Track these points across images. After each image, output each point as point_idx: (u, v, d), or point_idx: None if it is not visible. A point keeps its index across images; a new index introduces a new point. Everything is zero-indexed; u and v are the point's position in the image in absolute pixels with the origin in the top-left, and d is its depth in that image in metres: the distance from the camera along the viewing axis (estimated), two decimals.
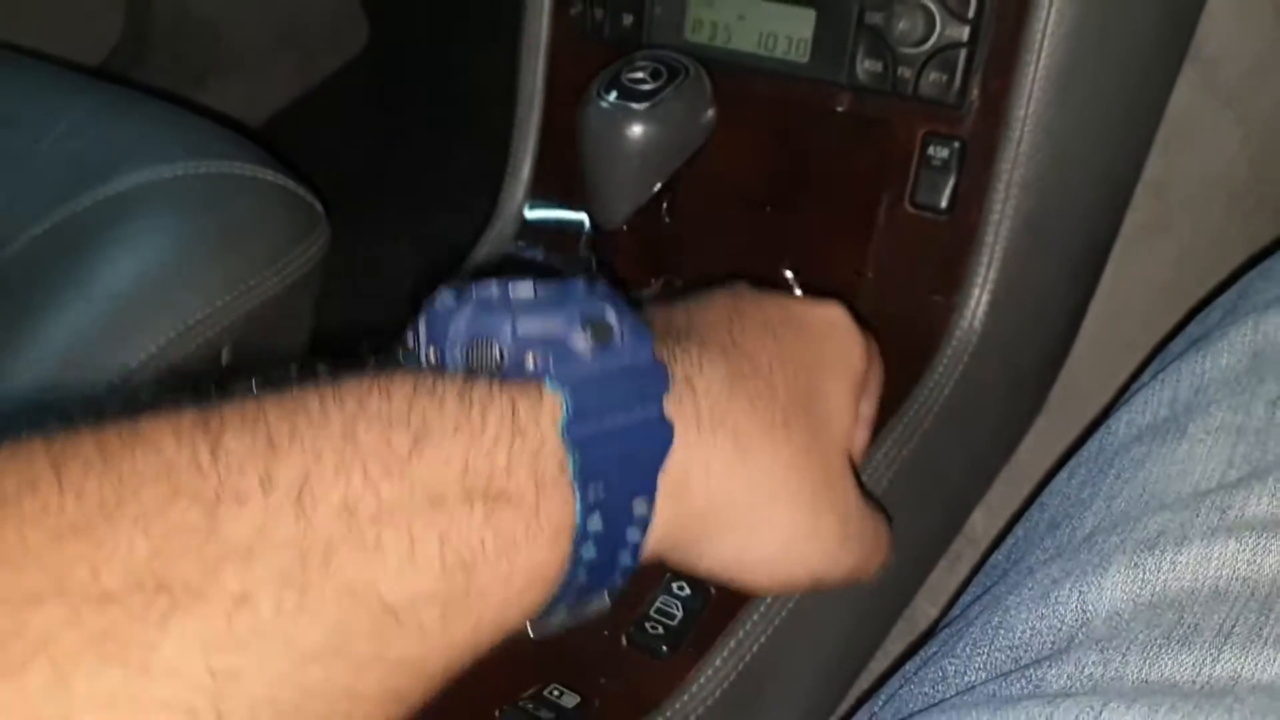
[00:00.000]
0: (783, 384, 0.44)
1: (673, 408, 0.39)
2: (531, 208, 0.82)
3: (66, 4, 1.43)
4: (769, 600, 0.58)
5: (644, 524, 0.39)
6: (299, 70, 1.67)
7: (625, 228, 0.68)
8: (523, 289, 0.39)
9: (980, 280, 0.68)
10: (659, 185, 0.68)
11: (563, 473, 0.36)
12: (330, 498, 0.32)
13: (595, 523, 0.37)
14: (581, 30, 0.79)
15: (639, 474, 0.38)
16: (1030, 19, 0.65)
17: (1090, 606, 0.42)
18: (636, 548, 0.39)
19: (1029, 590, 0.45)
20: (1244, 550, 0.39)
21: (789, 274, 0.73)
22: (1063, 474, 0.50)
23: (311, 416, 0.33)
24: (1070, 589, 0.43)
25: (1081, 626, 0.42)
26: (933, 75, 0.68)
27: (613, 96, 0.65)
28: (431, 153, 1.54)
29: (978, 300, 0.68)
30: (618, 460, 0.37)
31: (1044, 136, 0.66)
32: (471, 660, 0.35)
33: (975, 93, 0.67)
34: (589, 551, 0.37)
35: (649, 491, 0.38)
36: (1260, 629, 0.38)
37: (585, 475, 0.36)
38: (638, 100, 0.65)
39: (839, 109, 0.71)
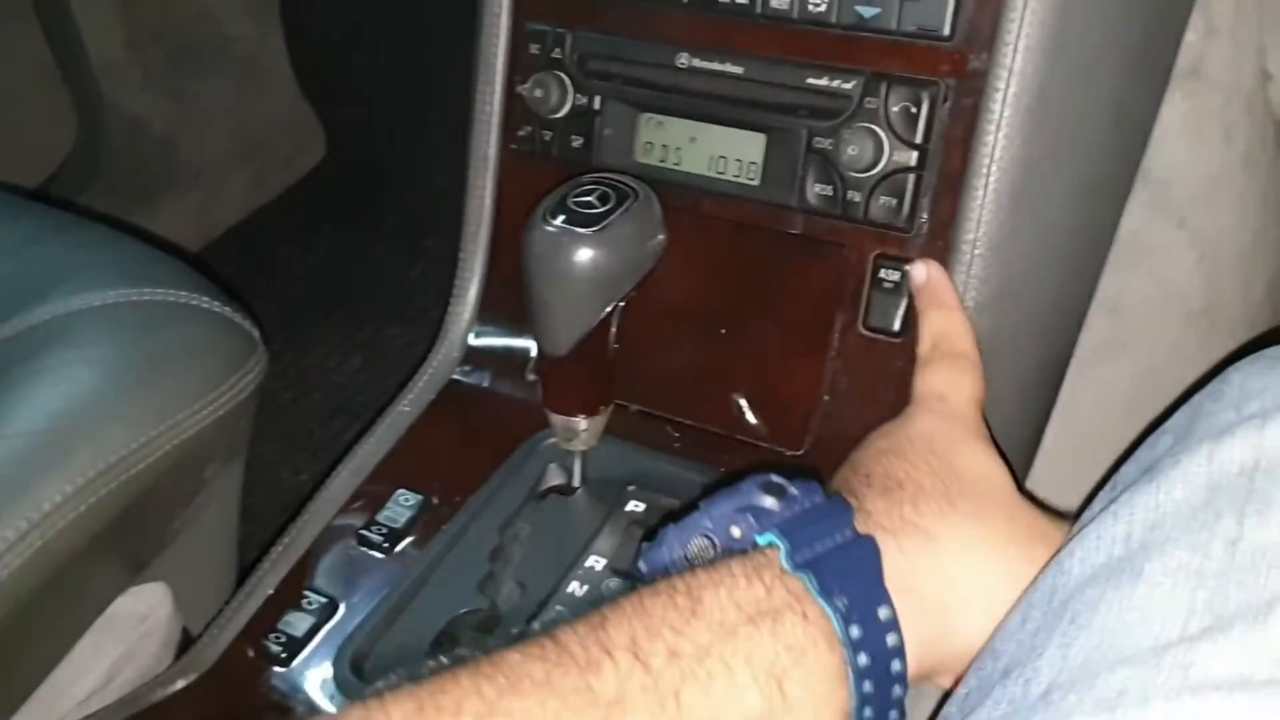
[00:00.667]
0: (926, 477, 0.53)
1: (862, 529, 0.49)
2: (477, 335, 0.80)
3: (9, 122, 1.42)
4: None
5: (893, 626, 0.47)
6: (255, 184, 1.67)
7: (572, 355, 0.66)
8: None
9: None
10: (607, 310, 0.66)
11: (808, 592, 0.45)
12: (657, 649, 0.42)
13: (855, 631, 0.45)
14: (530, 151, 0.78)
15: (870, 584, 0.47)
16: (978, 144, 0.64)
17: None
18: (900, 651, 0.47)
19: None
20: (1207, 713, 0.37)
21: (742, 401, 0.72)
22: (1015, 617, 0.48)
23: (611, 611, 0.43)
24: None
25: None
26: (882, 199, 0.67)
27: (559, 220, 0.64)
28: (386, 267, 1.53)
29: None
30: (846, 574, 0.46)
31: (995, 259, 0.66)
32: None
33: (925, 216, 0.67)
34: (862, 659, 0.45)
35: (884, 598, 0.47)
36: None
37: (825, 591, 0.45)
38: (585, 224, 0.64)
39: (791, 231, 0.71)
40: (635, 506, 0.69)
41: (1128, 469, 0.50)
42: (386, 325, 1.46)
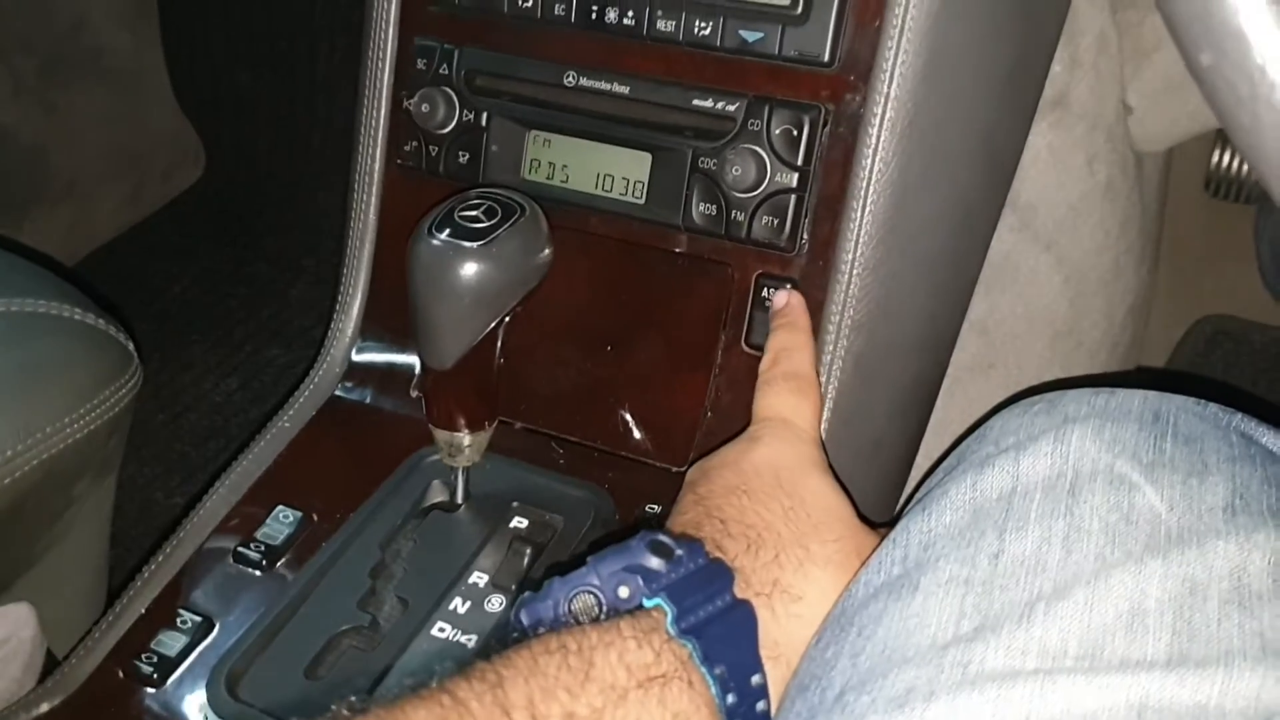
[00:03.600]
0: (780, 521, 0.55)
1: (738, 592, 0.50)
2: (360, 350, 0.79)
3: None
4: None
5: (763, 693, 0.49)
6: (130, 201, 1.62)
7: (456, 369, 0.66)
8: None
9: None
10: (492, 325, 0.66)
11: (692, 660, 0.47)
12: (554, 710, 0.42)
13: (731, 698, 0.47)
14: (416, 167, 0.78)
15: (746, 651, 0.49)
16: (856, 167, 0.66)
17: None
18: (767, 715, 0.49)
19: None
20: (987, 703, 0.42)
21: (627, 417, 0.72)
22: (813, 640, 0.52)
23: (505, 668, 0.44)
24: None
25: None
26: (765, 219, 0.69)
27: (445, 234, 0.64)
28: (265, 287, 1.50)
29: None
30: (726, 642, 0.48)
31: (871, 279, 0.68)
32: None
33: (805, 236, 0.68)
34: None
35: (758, 665, 0.49)
36: None
37: (708, 658, 0.47)
38: (471, 238, 0.64)
39: (676, 250, 0.72)
40: (519, 523, 0.69)
41: (909, 507, 0.54)
42: (265, 346, 1.43)
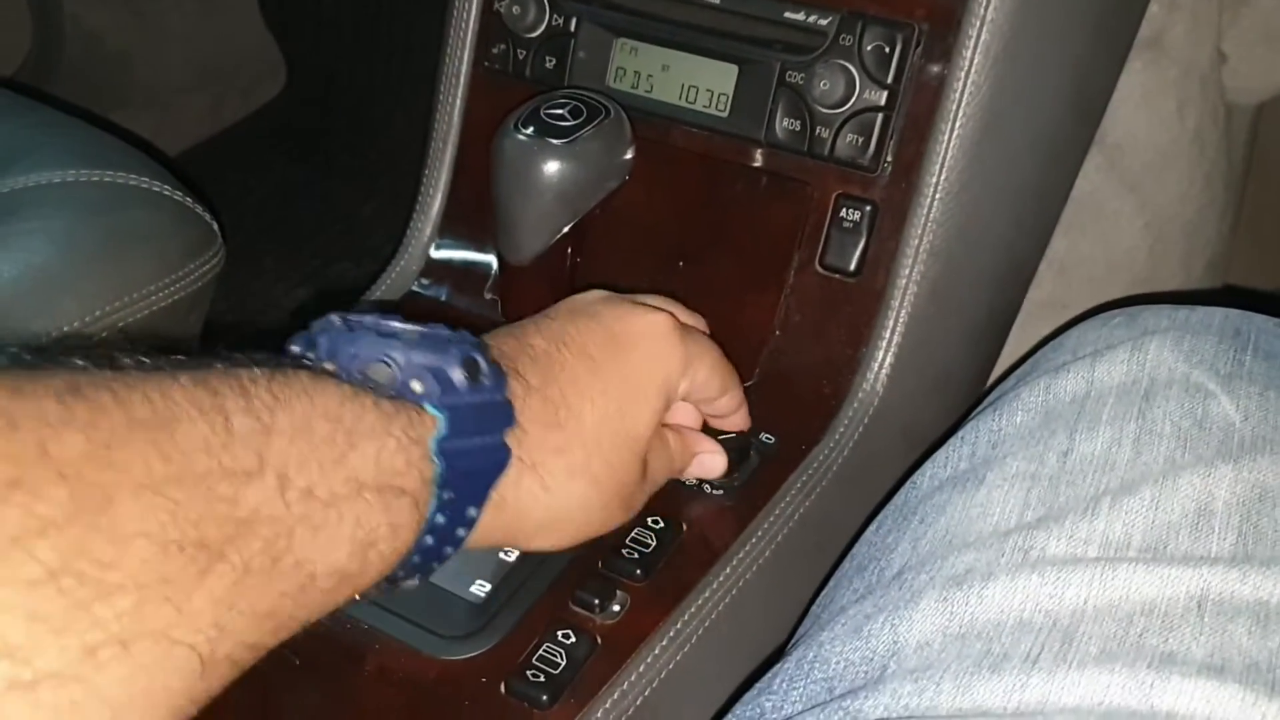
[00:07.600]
0: (591, 422, 0.52)
1: (512, 445, 0.48)
2: (438, 248, 0.80)
3: None
4: (655, 652, 0.56)
5: (471, 524, 0.47)
6: (211, 110, 1.65)
7: (532, 266, 0.67)
8: (398, 323, 0.47)
9: (884, 343, 0.68)
10: (570, 225, 0.67)
11: (431, 481, 0.44)
12: (299, 481, 0.39)
13: (440, 519, 0.45)
14: (503, 70, 0.78)
15: (479, 487, 0.47)
16: (946, 89, 0.66)
17: (901, 637, 0.44)
18: (460, 542, 0.47)
19: (842, 626, 0.47)
20: (1046, 584, 0.42)
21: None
22: (871, 526, 0.53)
23: (282, 410, 0.39)
24: (883, 623, 0.45)
25: (893, 656, 0.44)
26: (849, 137, 0.68)
27: (530, 130, 0.65)
28: (338, 204, 1.52)
29: (880, 363, 0.68)
30: (466, 473, 0.46)
31: (954, 205, 0.67)
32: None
33: (889, 157, 0.68)
34: (428, 540, 0.45)
35: (481, 501, 0.47)
36: (1065, 655, 0.41)
37: (443, 481, 0.44)
38: (556, 136, 0.65)
39: (756, 165, 0.72)
40: None
41: (979, 409, 0.54)
42: (336, 261, 1.45)
